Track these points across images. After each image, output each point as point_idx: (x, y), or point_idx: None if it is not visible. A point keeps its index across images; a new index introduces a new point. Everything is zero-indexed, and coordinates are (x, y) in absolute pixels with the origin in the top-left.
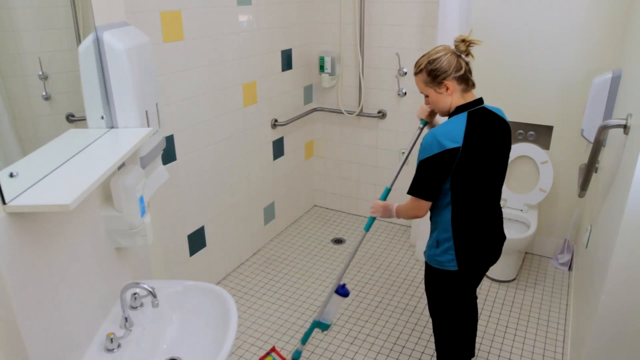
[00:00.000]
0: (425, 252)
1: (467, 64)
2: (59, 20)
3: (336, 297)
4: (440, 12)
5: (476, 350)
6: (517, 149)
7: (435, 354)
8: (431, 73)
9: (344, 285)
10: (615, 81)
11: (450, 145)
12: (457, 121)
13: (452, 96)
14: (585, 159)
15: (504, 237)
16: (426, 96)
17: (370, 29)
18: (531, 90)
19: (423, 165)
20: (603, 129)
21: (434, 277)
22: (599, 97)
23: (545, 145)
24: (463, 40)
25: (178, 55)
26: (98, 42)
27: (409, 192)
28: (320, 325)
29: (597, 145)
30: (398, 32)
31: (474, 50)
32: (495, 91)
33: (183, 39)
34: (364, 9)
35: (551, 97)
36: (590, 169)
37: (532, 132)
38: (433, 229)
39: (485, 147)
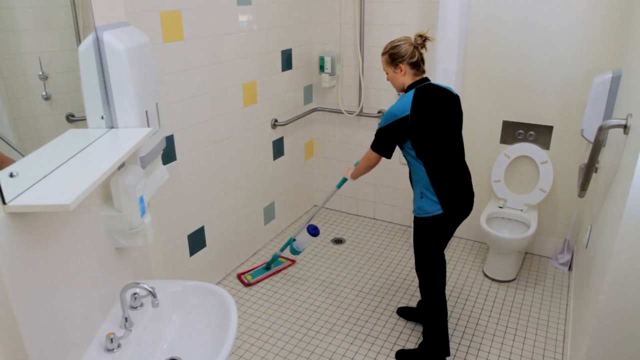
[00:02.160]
0: (413, 208)
1: (420, 54)
2: (59, 20)
3: (305, 234)
4: (441, 12)
5: (476, 350)
6: (517, 149)
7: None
8: (391, 56)
9: (316, 227)
10: (615, 81)
11: (400, 115)
12: (407, 96)
13: (405, 77)
14: (585, 159)
15: (473, 193)
16: (387, 73)
17: (370, 29)
18: (531, 90)
19: (379, 133)
20: (603, 129)
21: (422, 226)
22: (599, 97)
23: (545, 145)
24: (420, 36)
25: (178, 55)
26: (98, 42)
27: (371, 147)
28: (291, 245)
29: (597, 145)
30: (398, 32)
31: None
32: (495, 91)
33: (183, 39)
34: (364, 9)
35: (551, 97)
36: (590, 169)
37: (532, 132)
38: (415, 186)
39: (431, 112)
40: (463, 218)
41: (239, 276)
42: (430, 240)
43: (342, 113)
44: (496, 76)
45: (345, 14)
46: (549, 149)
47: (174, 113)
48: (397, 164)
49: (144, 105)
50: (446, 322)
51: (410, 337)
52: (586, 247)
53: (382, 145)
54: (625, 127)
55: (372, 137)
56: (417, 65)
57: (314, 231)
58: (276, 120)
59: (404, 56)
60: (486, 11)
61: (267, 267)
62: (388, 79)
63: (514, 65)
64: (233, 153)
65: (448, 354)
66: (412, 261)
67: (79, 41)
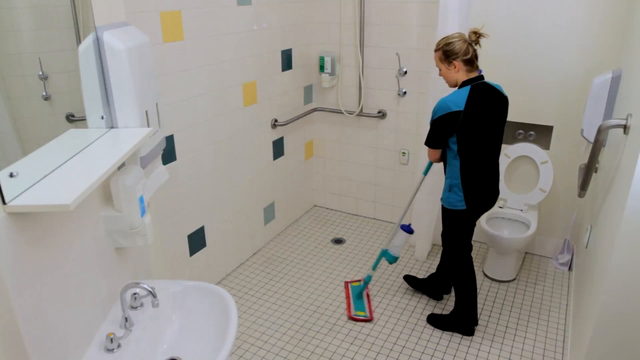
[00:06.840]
0: (441, 197)
1: (474, 50)
2: (59, 20)
3: (402, 233)
4: (441, 12)
5: (476, 350)
6: (517, 149)
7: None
8: (445, 53)
9: (409, 225)
10: (615, 81)
11: (455, 108)
12: (462, 91)
13: (459, 73)
14: (585, 159)
15: (498, 192)
16: (439, 69)
17: (370, 29)
18: (531, 90)
19: (433, 125)
20: (603, 129)
21: (447, 216)
22: (599, 97)
23: (545, 145)
24: (474, 32)
25: (178, 55)
26: (98, 42)
27: (425, 143)
28: (387, 255)
29: (597, 145)
30: (398, 32)
31: (483, 41)
32: None
33: (183, 39)
34: (364, 9)
35: (551, 97)
36: (590, 169)
37: (532, 132)
38: (446, 177)
39: (483, 112)
40: (484, 212)
41: (353, 319)
42: (457, 230)
43: (342, 113)
44: (496, 76)
45: (345, 14)
46: (549, 149)
47: (174, 113)
48: (397, 164)
49: (144, 105)
50: (475, 297)
51: (410, 337)
52: (586, 247)
53: (435, 139)
54: (625, 127)
55: (372, 137)
56: (471, 62)
57: (408, 228)
58: (276, 120)
59: (458, 53)
60: (486, 11)
61: (360, 295)
62: (441, 75)
63: (513, 65)
64: (233, 153)
65: (476, 324)
66: (412, 261)
67: (79, 41)
